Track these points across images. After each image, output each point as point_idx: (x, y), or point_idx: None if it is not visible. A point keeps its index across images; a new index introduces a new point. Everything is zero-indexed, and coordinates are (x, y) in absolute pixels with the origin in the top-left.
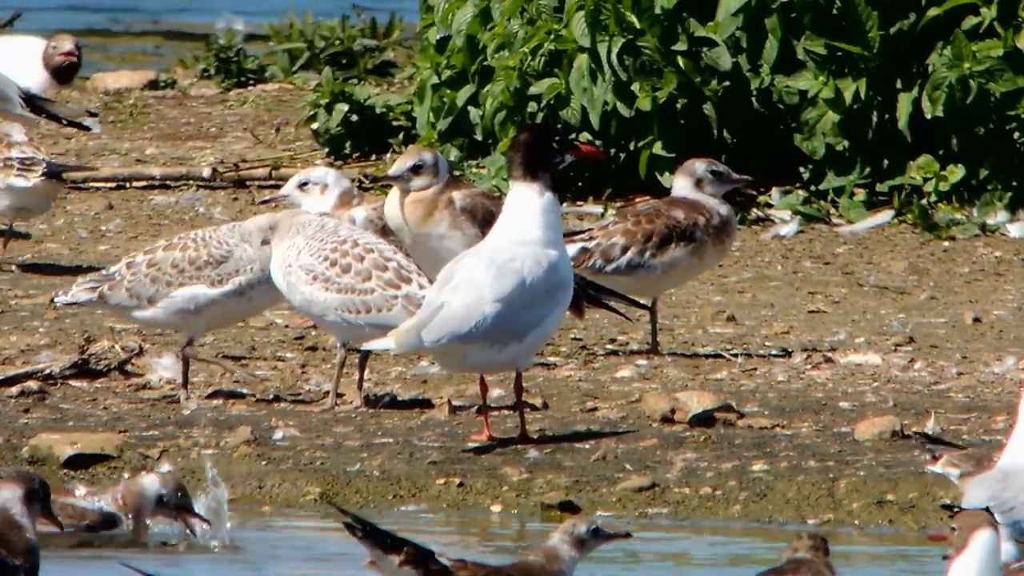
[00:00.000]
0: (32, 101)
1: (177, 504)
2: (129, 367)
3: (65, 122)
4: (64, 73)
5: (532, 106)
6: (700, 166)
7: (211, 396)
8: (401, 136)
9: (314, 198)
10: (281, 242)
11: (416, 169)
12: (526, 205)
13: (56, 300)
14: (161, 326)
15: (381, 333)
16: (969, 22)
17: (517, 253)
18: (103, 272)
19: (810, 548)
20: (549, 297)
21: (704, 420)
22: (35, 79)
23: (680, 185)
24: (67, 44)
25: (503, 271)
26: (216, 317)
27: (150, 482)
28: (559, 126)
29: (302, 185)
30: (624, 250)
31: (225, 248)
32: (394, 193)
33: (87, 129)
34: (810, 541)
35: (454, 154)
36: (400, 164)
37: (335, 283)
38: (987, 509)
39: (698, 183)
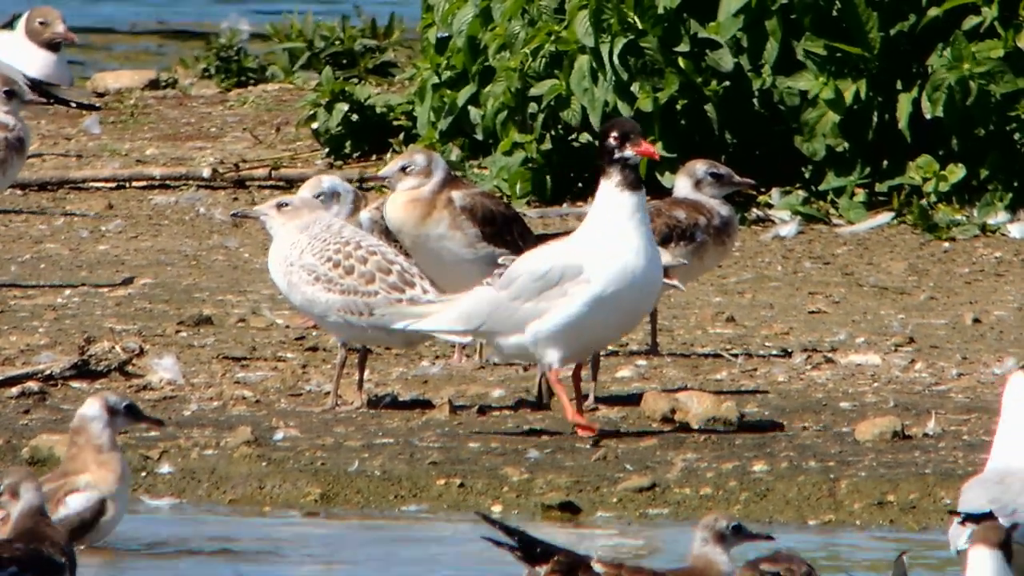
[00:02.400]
0: (39, 87)
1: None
2: (129, 368)
3: (74, 104)
4: (55, 46)
5: (533, 106)
6: (700, 167)
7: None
8: (402, 136)
9: (331, 207)
10: (289, 228)
11: (405, 169)
12: (598, 200)
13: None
14: None
15: (384, 335)
16: (969, 22)
17: (545, 247)
18: None
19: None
20: (557, 291)
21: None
22: (36, 63)
23: (681, 186)
24: (59, 25)
25: (511, 264)
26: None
27: (90, 406)
28: (559, 125)
29: (318, 195)
30: None
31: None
32: (394, 194)
33: (97, 109)
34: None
35: (455, 154)
36: (391, 165)
37: (338, 284)
38: (990, 513)
39: (697, 184)
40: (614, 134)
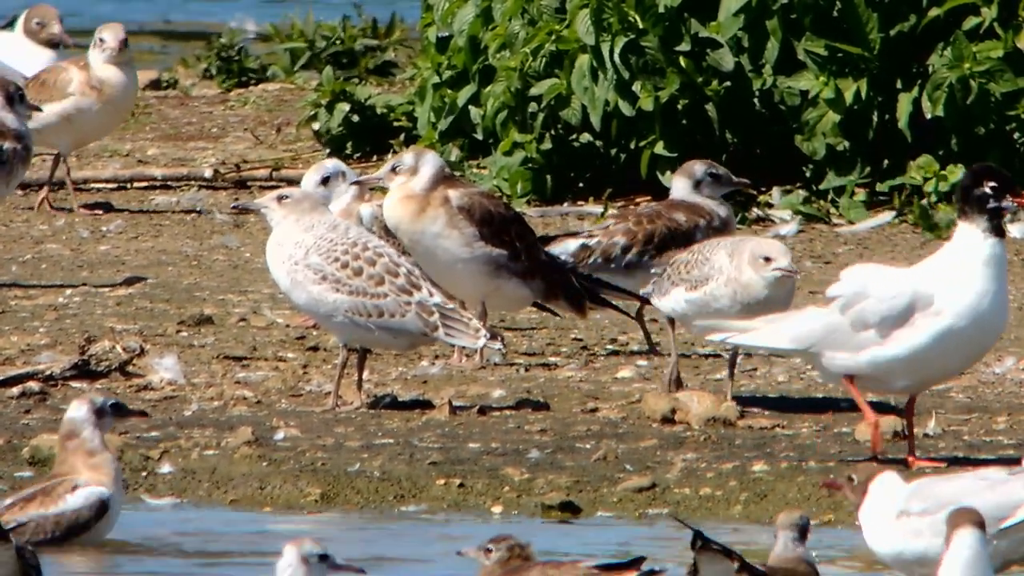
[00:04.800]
0: None
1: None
2: (130, 368)
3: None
4: (54, 45)
5: (533, 106)
6: (699, 168)
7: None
8: (402, 136)
9: (336, 189)
10: (290, 223)
11: (394, 169)
12: (958, 241)
13: (643, 292)
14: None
15: (390, 335)
16: (969, 22)
17: (890, 273)
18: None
19: (520, 556)
20: (899, 320)
21: None
22: (36, 64)
23: (679, 186)
24: (56, 25)
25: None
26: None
27: (77, 409)
28: (559, 125)
29: (324, 180)
30: (625, 250)
31: (707, 255)
32: (389, 193)
33: None
34: (525, 551)
35: (455, 154)
36: (383, 167)
37: (346, 285)
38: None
39: (697, 185)
40: (992, 183)
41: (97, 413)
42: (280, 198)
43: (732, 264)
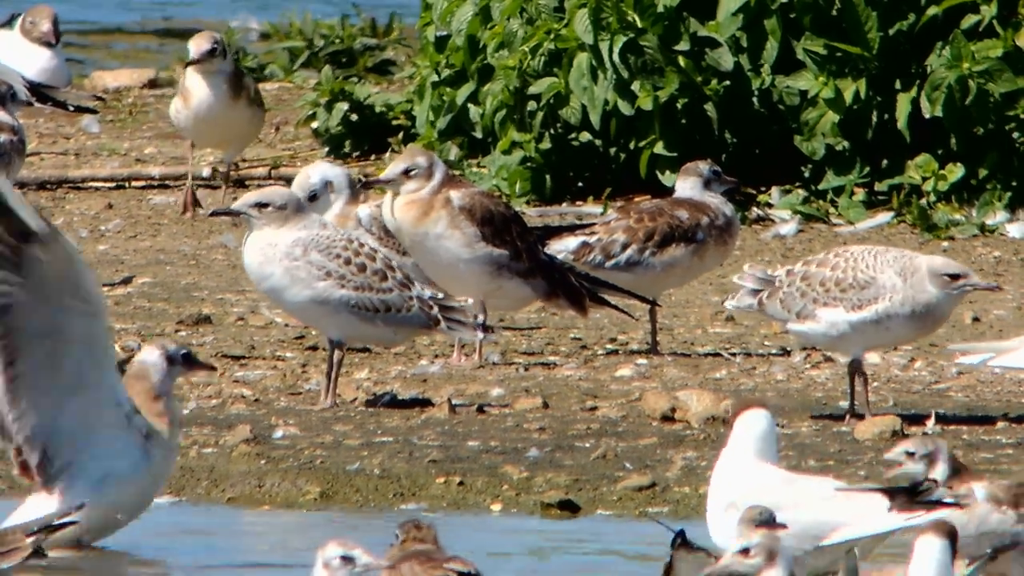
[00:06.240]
0: (37, 90)
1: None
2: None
3: (72, 107)
4: (48, 43)
5: (532, 105)
6: (704, 166)
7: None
8: (401, 135)
9: (325, 198)
10: (285, 231)
11: (408, 172)
12: None
13: (726, 304)
14: (813, 342)
15: (390, 331)
16: (968, 21)
17: None
18: (766, 274)
19: (429, 539)
20: None
21: None
22: (34, 63)
23: (687, 186)
24: (45, 24)
25: None
26: (857, 342)
27: (150, 353)
28: (558, 124)
29: (312, 193)
30: (624, 247)
31: (869, 274)
32: (390, 195)
33: (94, 112)
34: (422, 531)
35: (454, 153)
36: (393, 168)
37: (351, 281)
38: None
39: (707, 184)
40: None
41: (168, 360)
42: (259, 206)
43: (907, 283)
